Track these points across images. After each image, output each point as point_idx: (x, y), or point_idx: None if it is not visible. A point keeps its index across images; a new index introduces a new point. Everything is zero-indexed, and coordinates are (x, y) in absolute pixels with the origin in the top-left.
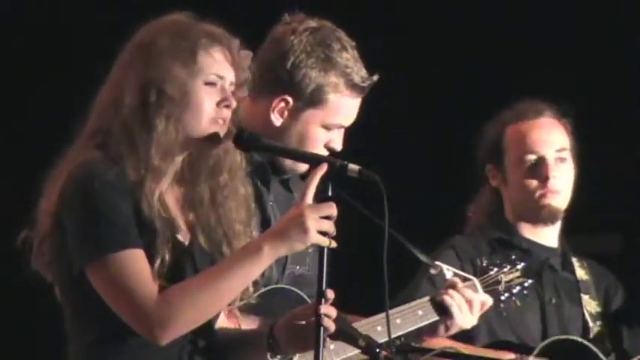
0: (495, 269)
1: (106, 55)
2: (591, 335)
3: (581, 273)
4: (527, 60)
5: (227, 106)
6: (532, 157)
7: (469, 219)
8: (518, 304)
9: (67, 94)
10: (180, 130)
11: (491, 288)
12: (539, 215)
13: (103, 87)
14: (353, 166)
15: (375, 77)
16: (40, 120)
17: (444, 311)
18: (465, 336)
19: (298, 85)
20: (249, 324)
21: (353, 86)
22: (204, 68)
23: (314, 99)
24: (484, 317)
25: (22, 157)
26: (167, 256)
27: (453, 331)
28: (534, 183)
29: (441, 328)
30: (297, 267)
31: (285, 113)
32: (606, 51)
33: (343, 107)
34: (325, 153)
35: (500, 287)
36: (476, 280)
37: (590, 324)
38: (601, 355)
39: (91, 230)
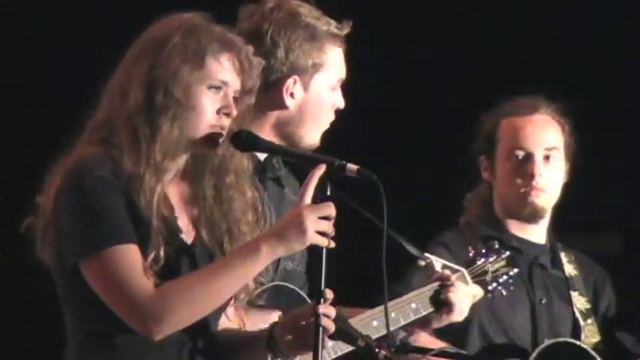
0: (482, 259)
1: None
2: (582, 334)
3: (569, 268)
4: (529, 55)
5: (227, 114)
6: (520, 153)
7: (465, 207)
8: (504, 293)
9: (76, 83)
10: (184, 131)
11: (479, 279)
12: (523, 212)
13: (113, 76)
14: (351, 166)
15: (349, 22)
16: (47, 109)
17: (440, 304)
18: (457, 338)
19: (299, 62)
20: (254, 321)
21: (336, 37)
22: (210, 73)
23: (316, 66)
24: (477, 319)
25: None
26: (162, 253)
27: (444, 323)
28: (520, 179)
29: (434, 321)
30: (289, 263)
31: (296, 91)
32: (608, 50)
33: (337, 60)
34: (333, 117)
35: (488, 277)
36: (465, 272)
37: (581, 322)
38: (598, 358)
39: (83, 226)
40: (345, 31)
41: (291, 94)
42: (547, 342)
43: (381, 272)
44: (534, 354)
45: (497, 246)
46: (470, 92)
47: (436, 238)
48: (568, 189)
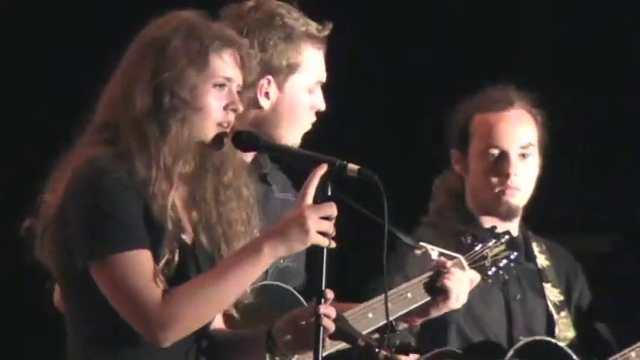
0: (480, 245)
1: (113, 44)
2: (557, 328)
3: (541, 259)
4: (526, 55)
5: (233, 110)
6: (495, 152)
7: (433, 192)
8: (507, 277)
9: (76, 83)
10: (193, 132)
11: (477, 264)
12: (498, 210)
13: (112, 78)
14: (352, 166)
15: (329, 24)
16: (47, 109)
17: (436, 292)
18: (436, 338)
19: (273, 62)
20: (245, 325)
21: (315, 39)
22: (214, 71)
23: (291, 67)
24: (454, 319)
25: (28, 148)
26: (176, 258)
27: (443, 311)
28: (495, 178)
29: (432, 310)
30: (282, 260)
31: (271, 91)
32: (606, 50)
33: (315, 62)
34: (314, 118)
35: (487, 262)
36: (462, 258)
37: (555, 316)
38: (574, 357)
39: (97, 229)
40: (325, 32)
41: (266, 94)
42: (523, 340)
43: (381, 268)
44: (510, 353)
45: (496, 230)
46: (468, 92)
47: (412, 234)
48: (567, 189)
